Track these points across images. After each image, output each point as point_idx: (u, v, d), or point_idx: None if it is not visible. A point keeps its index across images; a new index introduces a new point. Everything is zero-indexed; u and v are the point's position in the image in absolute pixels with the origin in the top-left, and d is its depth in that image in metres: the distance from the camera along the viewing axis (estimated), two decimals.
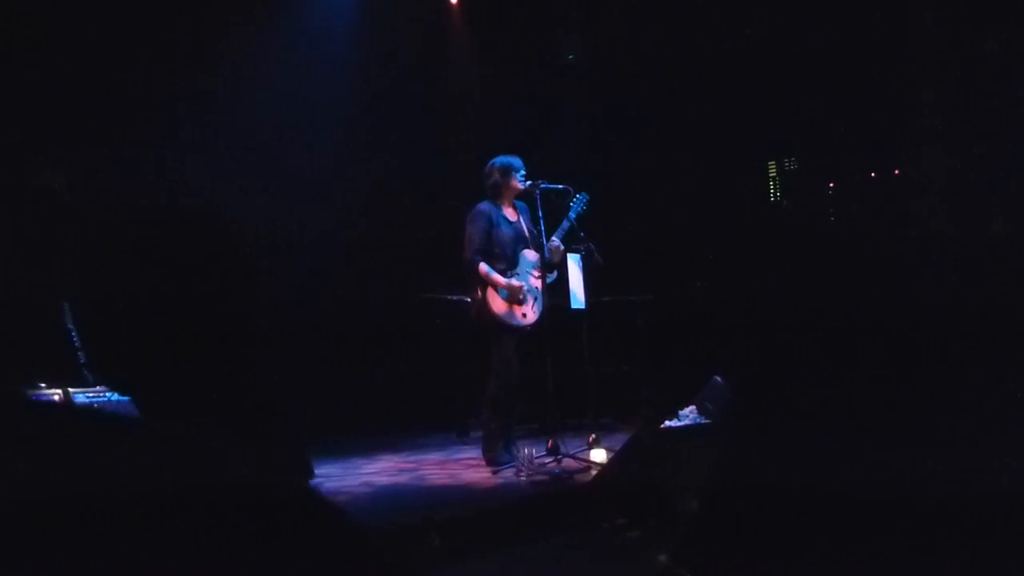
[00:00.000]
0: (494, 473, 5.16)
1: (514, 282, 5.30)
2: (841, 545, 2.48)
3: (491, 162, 5.48)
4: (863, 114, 7.24)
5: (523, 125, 7.57)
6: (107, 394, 4.15)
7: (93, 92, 5.47)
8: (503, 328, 5.29)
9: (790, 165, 8.29)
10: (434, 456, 6.00)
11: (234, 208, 5.86)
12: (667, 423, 5.22)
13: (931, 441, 2.95)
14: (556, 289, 5.55)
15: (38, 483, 0.90)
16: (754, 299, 7.07)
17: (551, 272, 5.42)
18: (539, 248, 5.35)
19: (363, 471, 5.45)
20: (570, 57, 8.66)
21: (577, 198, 5.50)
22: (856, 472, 2.71)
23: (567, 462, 5.12)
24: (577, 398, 5.79)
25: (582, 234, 5.50)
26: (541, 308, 5.36)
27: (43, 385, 3.82)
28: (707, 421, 5.12)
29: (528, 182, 5.40)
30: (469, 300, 5.54)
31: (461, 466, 5.54)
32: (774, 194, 8.40)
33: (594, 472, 4.90)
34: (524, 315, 5.33)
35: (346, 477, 5.23)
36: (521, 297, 5.31)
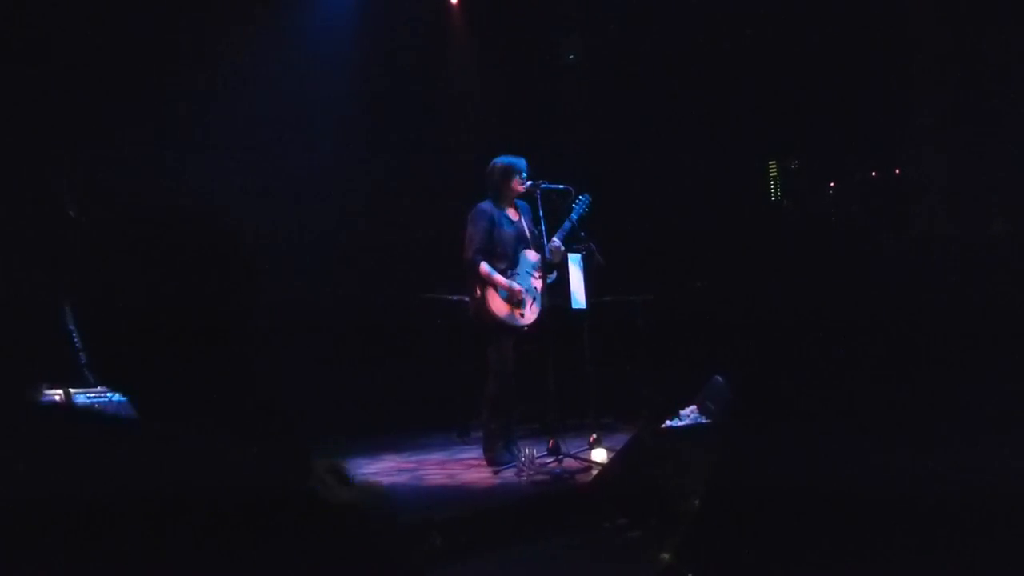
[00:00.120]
0: (495, 473, 5.16)
1: (515, 285, 5.29)
2: (841, 545, 2.48)
3: (494, 161, 5.46)
4: (863, 114, 7.24)
5: (523, 125, 7.57)
6: (107, 394, 4.15)
7: (93, 92, 5.47)
8: (501, 328, 5.29)
9: (791, 165, 8.29)
10: (435, 456, 6.00)
11: (234, 208, 5.86)
12: (668, 423, 5.22)
13: (931, 441, 2.95)
14: (557, 289, 5.54)
15: (38, 483, 0.90)
16: (754, 299, 7.06)
17: (551, 272, 5.42)
18: (540, 248, 5.34)
19: (364, 471, 5.45)
20: (570, 57, 8.66)
21: (579, 199, 5.49)
22: (856, 472, 2.71)
23: (568, 462, 5.12)
24: (578, 398, 5.78)
25: (583, 234, 5.49)
26: (540, 308, 5.36)
27: (45, 386, 3.82)
28: (708, 421, 5.13)
29: (529, 183, 5.39)
30: (468, 300, 5.54)
31: (462, 466, 5.54)
32: (774, 194, 8.40)
33: (595, 472, 4.90)
34: (522, 315, 5.33)
35: None
36: (520, 299, 5.31)
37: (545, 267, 5.31)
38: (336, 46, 7.13)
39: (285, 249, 6.59)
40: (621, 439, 5.16)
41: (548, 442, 5.20)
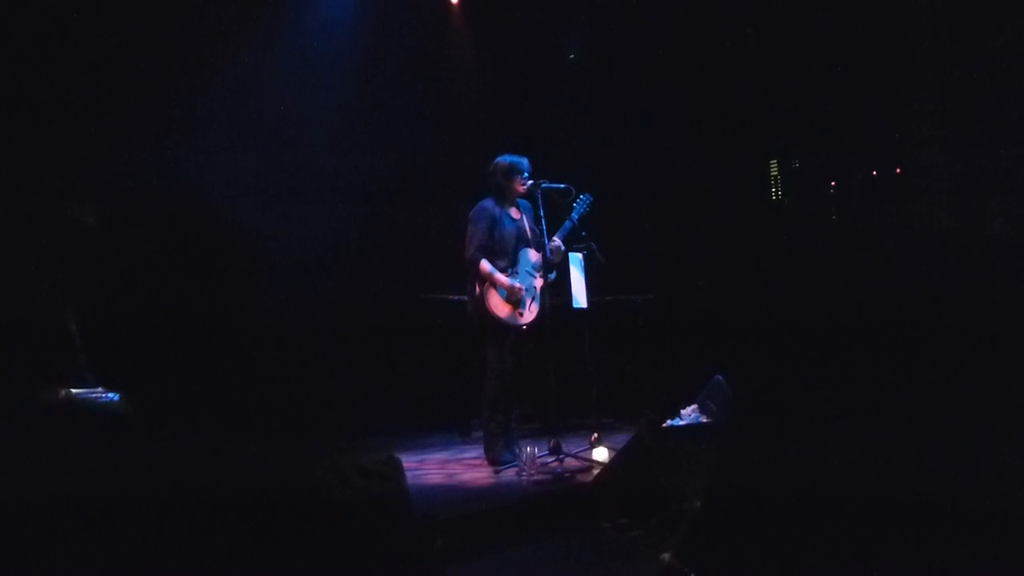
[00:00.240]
0: (496, 473, 5.16)
1: (516, 284, 5.29)
2: (841, 545, 2.48)
3: (496, 160, 5.46)
4: (864, 114, 7.24)
5: (523, 125, 7.57)
6: (107, 394, 4.15)
7: (93, 92, 5.47)
8: (500, 326, 5.29)
9: (792, 164, 8.29)
10: (436, 456, 6.00)
11: (234, 208, 5.85)
12: (669, 422, 5.23)
13: (931, 441, 2.95)
14: (557, 289, 5.55)
15: (38, 483, 0.90)
16: (755, 299, 7.06)
17: (551, 271, 5.42)
18: (540, 247, 5.34)
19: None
20: (570, 57, 8.66)
21: (581, 199, 5.50)
22: (856, 471, 2.71)
23: (569, 461, 5.12)
24: (579, 397, 5.79)
25: (583, 233, 5.50)
26: (539, 307, 5.36)
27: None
28: (709, 420, 5.13)
29: (529, 182, 5.39)
30: (467, 298, 5.54)
31: (462, 466, 5.54)
32: (775, 194, 8.40)
33: (596, 472, 4.91)
34: (521, 314, 5.33)
35: None
36: (520, 298, 5.31)
37: (546, 266, 5.31)
38: (336, 46, 7.13)
39: (285, 249, 6.58)
40: (622, 438, 5.16)
41: (549, 442, 5.21)
